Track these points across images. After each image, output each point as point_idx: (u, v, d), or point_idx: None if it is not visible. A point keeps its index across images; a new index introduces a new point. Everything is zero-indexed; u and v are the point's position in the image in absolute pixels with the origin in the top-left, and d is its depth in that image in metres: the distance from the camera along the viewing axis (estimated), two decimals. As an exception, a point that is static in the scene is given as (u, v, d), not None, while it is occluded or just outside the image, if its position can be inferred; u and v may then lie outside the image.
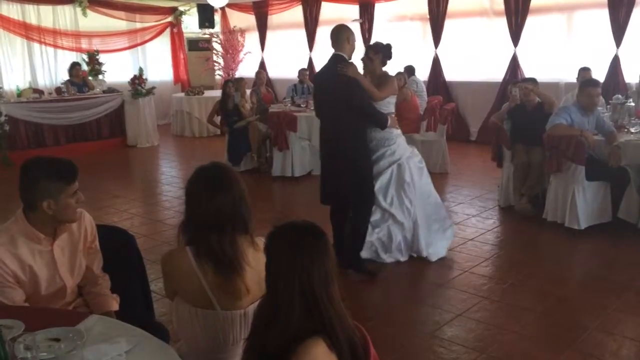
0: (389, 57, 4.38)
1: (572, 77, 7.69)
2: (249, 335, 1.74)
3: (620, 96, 6.12)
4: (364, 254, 4.36)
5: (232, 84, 8.40)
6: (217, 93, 9.80)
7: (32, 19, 10.81)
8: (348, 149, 4.13)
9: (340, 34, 4.16)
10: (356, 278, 4.22)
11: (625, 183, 4.95)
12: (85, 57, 10.88)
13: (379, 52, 4.33)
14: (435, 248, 4.54)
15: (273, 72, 12.44)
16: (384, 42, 4.45)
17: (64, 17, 11.29)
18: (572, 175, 4.97)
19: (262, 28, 12.63)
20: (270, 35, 12.69)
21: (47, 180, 2.12)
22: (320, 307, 1.58)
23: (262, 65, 12.55)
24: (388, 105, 4.32)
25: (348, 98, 4.03)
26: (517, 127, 5.80)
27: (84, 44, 11.45)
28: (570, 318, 3.56)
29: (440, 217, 4.66)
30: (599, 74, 7.49)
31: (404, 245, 4.51)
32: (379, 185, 4.38)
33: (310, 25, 11.61)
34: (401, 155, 4.44)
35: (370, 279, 4.25)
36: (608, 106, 6.01)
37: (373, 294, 4.15)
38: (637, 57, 7.79)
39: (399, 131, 4.49)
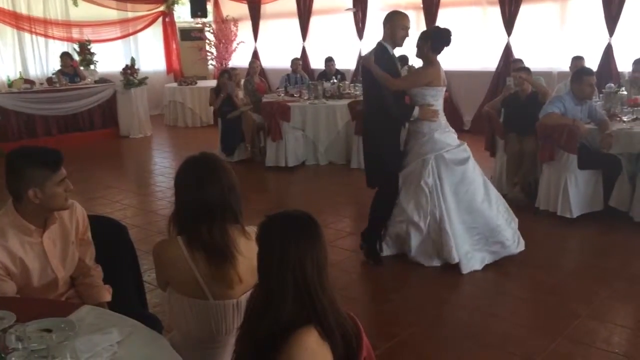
0: (442, 43, 4.05)
1: (565, 66, 7.69)
2: (242, 325, 1.74)
3: (612, 85, 6.13)
4: (389, 250, 4.35)
5: (228, 74, 8.37)
6: (210, 83, 9.75)
7: (23, 9, 10.69)
8: (371, 137, 4.27)
9: (385, 22, 4.19)
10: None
11: (617, 172, 4.97)
12: (76, 47, 10.79)
13: (427, 39, 4.10)
14: (469, 260, 4.09)
15: (266, 62, 12.37)
16: (442, 27, 4.18)
17: (55, 6, 11.17)
18: (565, 164, 4.99)
19: (255, 17, 12.54)
20: (263, 24, 12.61)
21: (31, 169, 2.11)
22: (312, 296, 1.58)
23: (255, 55, 12.48)
24: (424, 97, 4.09)
25: (367, 87, 4.29)
26: (510, 116, 5.81)
27: (75, 33, 11.34)
28: (563, 306, 3.58)
29: (487, 228, 4.17)
30: (592, 63, 7.48)
31: (432, 249, 4.18)
32: (401, 179, 4.24)
33: (304, 14, 11.54)
34: (429, 151, 4.14)
35: (373, 265, 4.26)
36: (601, 95, 6.01)
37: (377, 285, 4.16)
38: (630, 46, 7.78)
39: (437, 124, 4.15)
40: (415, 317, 3.50)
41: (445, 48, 4.10)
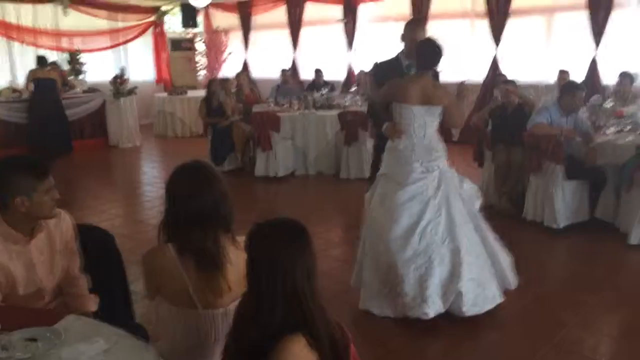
0: (425, 60, 3.68)
1: (551, 79, 7.81)
2: (230, 333, 1.74)
3: (598, 97, 6.22)
4: None
5: (217, 83, 8.39)
6: (200, 93, 9.76)
7: (12, 18, 10.66)
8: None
9: (403, 31, 4.08)
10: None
11: (602, 183, 5.04)
12: (66, 56, 10.76)
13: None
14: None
15: (257, 72, 12.41)
16: (432, 42, 3.72)
17: (45, 16, 11.13)
18: (552, 174, 5.04)
19: (246, 28, 12.59)
20: (253, 35, 12.66)
21: (18, 177, 2.10)
22: (301, 303, 1.59)
23: (246, 66, 12.51)
24: (393, 111, 3.73)
25: None
26: (497, 127, 5.87)
27: (65, 43, 11.31)
28: (550, 315, 3.61)
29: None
30: (578, 76, 7.60)
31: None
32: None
33: (294, 25, 11.60)
34: (381, 169, 3.81)
35: None
36: (586, 107, 6.09)
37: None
38: (615, 59, 7.90)
39: (395, 143, 3.71)
40: (404, 328, 3.50)
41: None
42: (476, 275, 3.50)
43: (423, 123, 3.63)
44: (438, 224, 3.54)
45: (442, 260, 3.48)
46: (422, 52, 3.67)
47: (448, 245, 3.51)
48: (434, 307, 3.41)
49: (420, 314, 3.41)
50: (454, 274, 3.46)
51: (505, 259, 3.73)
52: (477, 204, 3.77)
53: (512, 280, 3.70)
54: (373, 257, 3.64)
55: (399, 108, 3.67)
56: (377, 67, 4.51)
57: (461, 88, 3.91)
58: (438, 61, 3.68)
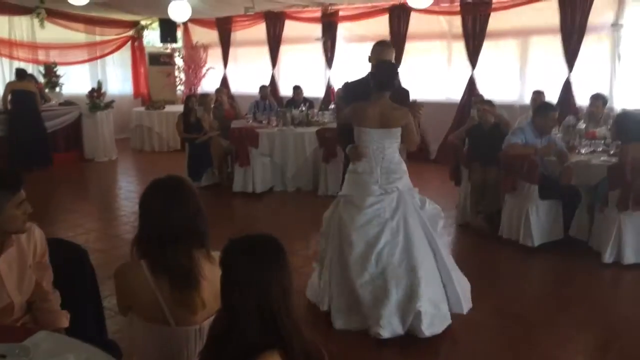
0: (380, 81, 3.71)
1: (526, 99, 7.95)
2: (203, 350, 1.72)
3: (572, 118, 6.35)
4: None
5: (195, 99, 8.37)
6: (179, 108, 9.72)
7: (-13, 30, 10.52)
8: None
9: (370, 52, 4.13)
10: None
11: (577, 202, 5.13)
12: (41, 69, 10.63)
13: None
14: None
15: (235, 88, 12.41)
16: (387, 63, 3.91)
17: (21, 28, 10.97)
18: (527, 193, 5.12)
19: (225, 44, 12.60)
20: (233, 51, 12.68)
21: None
22: (276, 320, 1.57)
23: (225, 81, 12.51)
24: (357, 136, 3.75)
25: None
26: (474, 146, 5.95)
27: (41, 55, 11.18)
28: (525, 334, 3.63)
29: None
30: (552, 97, 7.76)
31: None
32: None
33: (274, 43, 11.66)
34: (343, 194, 3.82)
35: None
36: (560, 128, 6.22)
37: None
38: (588, 81, 8.10)
39: (355, 167, 3.76)
40: (379, 344, 3.49)
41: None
42: (432, 295, 3.52)
43: (382, 145, 3.68)
44: (395, 245, 3.56)
45: (399, 282, 3.50)
46: (378, 73, 3.75)
47: (405, 266, 3.53)
48: (389, 328, 3.43)
49: (374, 334, 3.44)
50: (411, 295, 3.47)
51: (463, 284, 3.74)
52: (440, 223, 3.78)
53: (466, 306, 3.69)
54: (336, 279, 3.67)
55: (358, 131, 3.73)
56: (347, 87, 4.55)
57: (414, 107, 3.93)
58: (393, 81, 3.73)
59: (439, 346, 3.47)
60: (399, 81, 3.95)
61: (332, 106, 9.13)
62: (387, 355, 3.39)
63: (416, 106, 3.95)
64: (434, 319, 3.48)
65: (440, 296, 3.57)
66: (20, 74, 9.14)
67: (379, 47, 4.12)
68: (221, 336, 1.62)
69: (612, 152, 5.28)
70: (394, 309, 3.46)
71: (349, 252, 3.59)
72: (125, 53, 12.91)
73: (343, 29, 10.70)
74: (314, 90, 10.60)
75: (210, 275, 1.94)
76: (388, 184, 3.67)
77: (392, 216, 3.60)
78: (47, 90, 10.16)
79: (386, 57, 4.04)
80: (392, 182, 3.68)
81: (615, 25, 7.90)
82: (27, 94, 8.92)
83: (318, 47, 10.93)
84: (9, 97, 8.85)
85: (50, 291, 2.39)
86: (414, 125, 3.73)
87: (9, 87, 9.01)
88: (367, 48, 4.26)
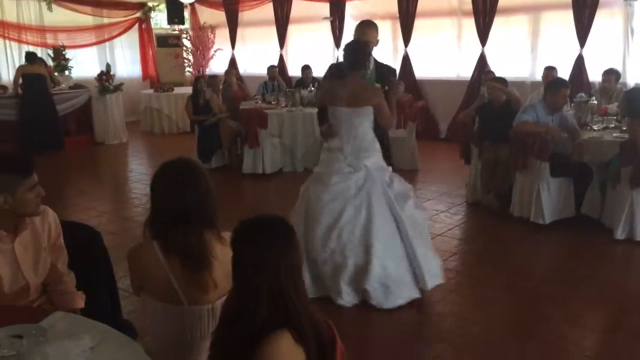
0: (345, 57, 3.78)
1: (538, 76, 7.87)
2: (216, 329, 1.74)
3: (583, 94, 6.27)
4: None
5: (204, 80, 8.35)
6: (187, 90, 9.72)
7: (-5, 14, 10.53)
8: None
9: (353, 33, 4.11)
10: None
11: (588, 179, 5.08)
12: (50, 52, 10.65)
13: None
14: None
15: (244, 69, 12.38)
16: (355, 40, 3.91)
17: (29, 11, 11.00)
18: (537, 171, 5.08)
19: (233, 25, 12.54)
20: (240, 32, 12.61)
21: (2, 174, 2.09)
22: (286, 299, 1.59)
23: (233, 62, 12.47)
24: (330, 115, 3.83)
25: None
26: (484, 124, 5.91)
27: (50, 39, 11.19)
28: (535, 310, 3.64)
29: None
30: (564, 73, 7.66)
31: None
32: None
33: (281, 23, 11.58)
34: (316, 170, 3.94)
35: None
36: (572, 104, 6.15)
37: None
38: (600, 57, 7.99)
39: (328, 144, 3.86)
40: (388, 321, 3.52)
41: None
42: (393, 271, 3.63)
43: (352, 124, 3.74)
44: (356, 223, 3.66)
45: (357, 258, 3.63)
46: (348, 52, 3.75)
47: (363, 244, 3.64)
48: (348, 298, 3.63)
49: (338, 304, 3.62)
50: (364, 271, 3.61)
51: (429, 260, 3.77)
52: (409, 201, 3.81)
53: (431, 281, 3.72)
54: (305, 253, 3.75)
55: (331, 110, 3.80)
56: (331, 68, 4.52)
57: (393, 87, 3.96)
58: (365, 61, 3.75)
59: (450, 322, 3.49)
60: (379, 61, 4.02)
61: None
62: (396, 330, 3.42)
63: (395, 86, 3.99)
64: (389, 296, 3.60)
65: (402, 270, 3.67)
66: (31, 57, 9.14)
67: (360, 28, 4.08)
68: (232, 316, 1.64)
69: (624, 129, 5.22)
70: (349, 281, 3.64)
71: (313, 228, 3.71)
72: (133, 35, 12.89)
73: (351, 8, 10.59)
74: (323, 70, 10.52)
75: (222, 255, 1.96)
76: (357, 161, 3.74)
77: (356, 194, 3.70)
78: (56, 74, 10.19)
79: (368, 37, 4.00)
80: (361, 160, 3.75)
81: (628, 0, 7.75)
82: (38, 77, 8.94)
83: (326, 27, 10.84)
84: (20, 81, 8.88)
85: (65, 272, 2.42)
86: (386, 105, 3.75)
87: (20, 70, 9.03)
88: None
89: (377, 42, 4.07)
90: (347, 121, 3.74)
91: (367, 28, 4.06)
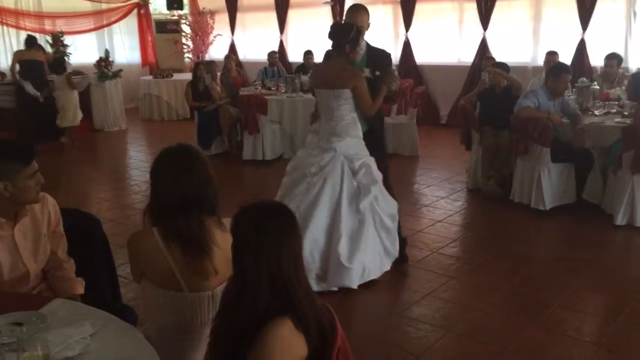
0: (330, 36, 3.75)
1: (539, 61, 7.81)
2: (216, 316, 1.74)
3: (585, 79, 6.23)
4: None
5: (203, 66, 8.30)
6: (187, 76, 9.67)
7: (-8, -1, 10.44)
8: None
9: (344, 17, 4.08)
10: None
11: (589, 165, 5.07)
12: (49, 38, 10.58)
13: None
14: None
15: (243, 55, 12.30)
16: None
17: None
18: (538, 157, 5.07)
19: (232, 10, 12.43)
20: (240, 17, 12.51)
21: (2, 162, 2.08)
22: (287, 286, 1.59)
23: (232, 48, 12.39)
24: (317, 96, 3.93)
25: None
26: (485, 110, 5.88)
27: (48, 25, 11.10)
28: (535, 296, 3.65)
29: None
30: (566, 58, 7.61)
31: None
32: None
33: (281, 7, 11.48)
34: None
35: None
36: (573, 89, 6.11)
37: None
38: (602, 41, 7.93)
39: (313, 127, 3.99)
40: (388, 308, 3.53)
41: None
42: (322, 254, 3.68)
43: (329, 106, 3.73)
44: (303, 201, 3.71)
45: None
46: (329, 34, 3.72)
47: (301, 222, 3.59)
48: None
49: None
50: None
51: (373, 254, 3.74)
52: (371, 192, 3.71)
53: (364, 275, 3.71)
54: None
55: (316, 92, 3.90)
56: (328, 54, 4.47)
57: (388, 75, 3.88)
58: (343, 42, 3.67)
59: (450, 309, 3.50)
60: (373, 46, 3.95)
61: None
62: (394, 315, 3.43)
63: (390, 74, 3.92)
64: (334, 279, 3.64)
65: (334, 259, 3.63)
66: (30, 41, 9.04)
67: (350, 12, 4.01)
68: (233, 303, 1.64)
69: (626, 114, 5.19)
70: None
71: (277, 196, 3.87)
72: (132, 21, 12.79)
73: (352, -8, 10.51)
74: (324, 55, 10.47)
75: (222, 242, 1.96)
76: (327, 144, 3.76)
77: (315, 173, 3.73)
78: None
79: (357, 21, 3.89)
80: (332, 143, 3.74)
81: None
82: (35, 63, 8.85)
83: (327, 11, 10.75)
84: (17, 68, 8.82)
85: (65, 259, 2.42)
86: (366, 89, 3.70)
87: (17, 56, 8.94)
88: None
89: (368, 25, 3.98)
90: (325, 103, 3.76)
91: (356, 12, 3.96)
